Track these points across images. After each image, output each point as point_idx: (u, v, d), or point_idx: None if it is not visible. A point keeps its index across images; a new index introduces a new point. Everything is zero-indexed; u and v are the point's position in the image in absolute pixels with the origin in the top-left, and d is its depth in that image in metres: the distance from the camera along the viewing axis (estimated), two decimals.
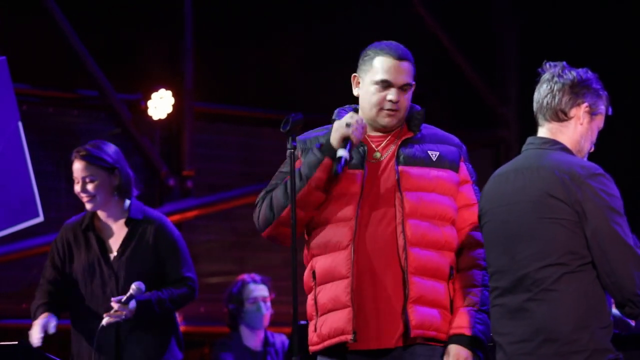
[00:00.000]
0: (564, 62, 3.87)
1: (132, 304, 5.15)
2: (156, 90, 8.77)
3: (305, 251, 4.16)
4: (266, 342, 7.02)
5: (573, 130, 3.82)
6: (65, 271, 5.41)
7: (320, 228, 4.08)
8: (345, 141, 3.96)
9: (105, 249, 5.41)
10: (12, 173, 5.93)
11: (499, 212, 3.80)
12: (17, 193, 5.92)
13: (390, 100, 4.06)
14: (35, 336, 5.12)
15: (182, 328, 5.62)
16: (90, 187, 5.35)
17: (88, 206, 5.39)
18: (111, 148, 5.45)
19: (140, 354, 5.33)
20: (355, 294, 3.97)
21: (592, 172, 3.66)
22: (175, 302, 5.34)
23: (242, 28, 9.45)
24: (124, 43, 9.04)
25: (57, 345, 7.17)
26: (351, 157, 4.00)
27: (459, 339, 3.99)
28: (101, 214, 5.45)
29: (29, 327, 5.25)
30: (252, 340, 7.01)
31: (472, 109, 10.07)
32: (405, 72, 4.08)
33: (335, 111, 4.20)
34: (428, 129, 4.20)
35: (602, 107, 3.86)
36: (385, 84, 4.07)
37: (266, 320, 7.02)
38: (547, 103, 3.83)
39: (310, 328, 4.10)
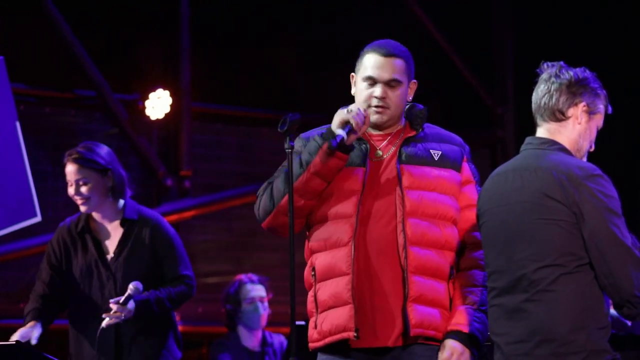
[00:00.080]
0: (562, 62, 3.86)
1: (131, 304, 5.15)
2: (154, 90, 8.77)
3: (306, 247, 4.15)
4: (264, 342, 7.02)
5: (571, 129, 3.81)
6: (62, 271, 5.40)
7: (320, 224, 4.07)
8: (345, 125, 3.96)
9: (102, 251, 5.40)
10: (9, 173, 5.92)
11: (497, 212, 3.79)
12: (14, 193, 5.90)
13: (375, 97, 4.06)
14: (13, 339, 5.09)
15: (179, 328, 5.62)
16: (83, 189, 5.34)
17: (82, 208, 5.38)
18: (103, 149, 5.43)
19: (139, 353, 5.33)
20: (355, 290, 3.96)
21: (589, 173, 3.65)
22: (173, 300, 5.33)
23: (240, 28, 9.45)
24: (121, 43, 9.03)
25: (55, 345, 7.18)
26: (352, 146, 4.00)
27: (455, 335, 3.98)
28: (96, 215, 5.44)
29: None
30: (250, 340, 7.00)
31: (470, 109, 10.07)
32: (391, 68, 4.06)
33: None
34: (431, 128, 4.19)
35: (600, 106, 3.84)
36: (371, 81, 4.07)
37: (264, 321, 7.01)
38: (545, 103, 3.82)
39: (311, 325, 4.09)
